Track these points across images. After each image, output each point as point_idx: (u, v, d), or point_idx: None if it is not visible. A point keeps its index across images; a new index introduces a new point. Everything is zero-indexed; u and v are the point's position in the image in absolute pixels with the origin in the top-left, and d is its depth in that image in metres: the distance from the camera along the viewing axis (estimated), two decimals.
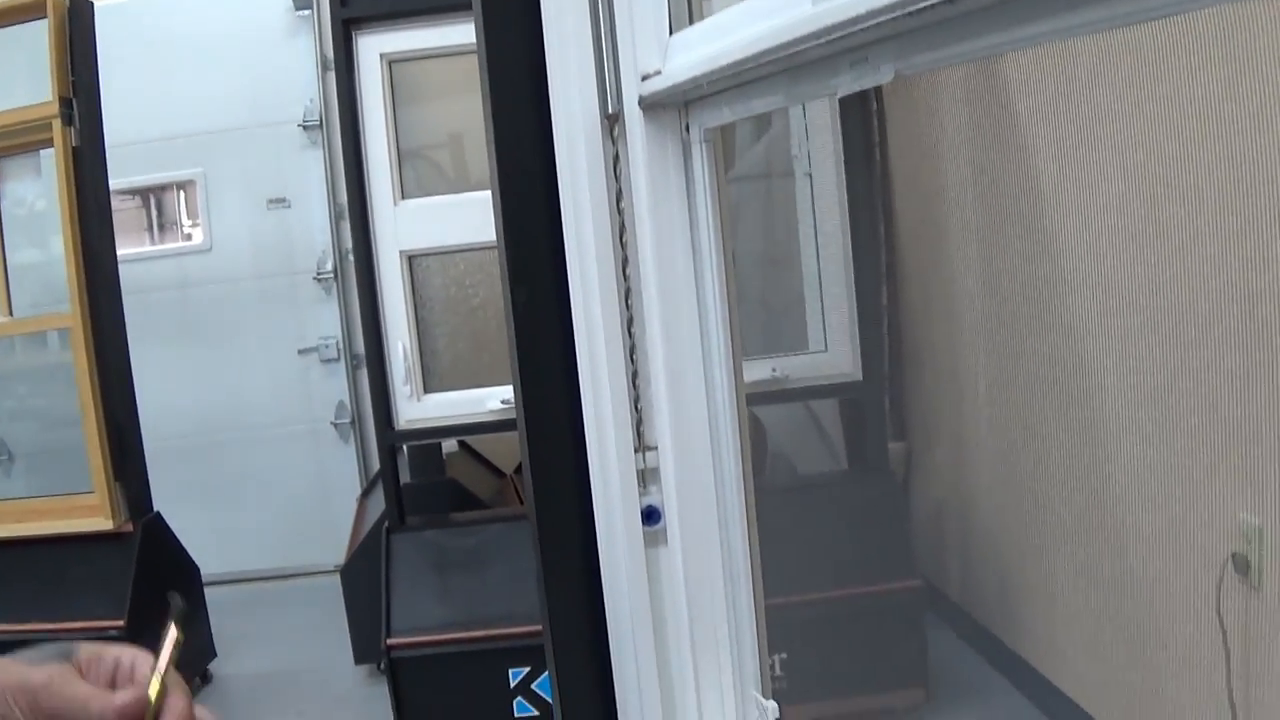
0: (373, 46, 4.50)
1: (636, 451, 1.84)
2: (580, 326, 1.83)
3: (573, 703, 1.98)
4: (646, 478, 1.86)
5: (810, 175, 4.56)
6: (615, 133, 1.82)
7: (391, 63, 4.53)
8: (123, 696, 0.96)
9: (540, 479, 1.91)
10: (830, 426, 5.16)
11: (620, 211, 1.81)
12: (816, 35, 1.25)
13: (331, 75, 6.45)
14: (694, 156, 1.79)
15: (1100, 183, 3.51)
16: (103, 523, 4.96)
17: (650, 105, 1.78)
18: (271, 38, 6.73)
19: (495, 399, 4.50)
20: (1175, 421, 3.26)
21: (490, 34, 1.86)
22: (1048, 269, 3.92)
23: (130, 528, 4.98)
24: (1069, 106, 3.67)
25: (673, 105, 1.78)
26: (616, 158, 1.82)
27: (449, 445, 5.67)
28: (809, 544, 4.41)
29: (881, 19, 1.11)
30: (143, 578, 4.89)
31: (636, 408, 1.84)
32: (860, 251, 4.49)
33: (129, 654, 1.03)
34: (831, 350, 4.54)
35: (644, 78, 1.77)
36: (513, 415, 4.49)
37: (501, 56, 1.86)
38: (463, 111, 4.81)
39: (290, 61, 6.72)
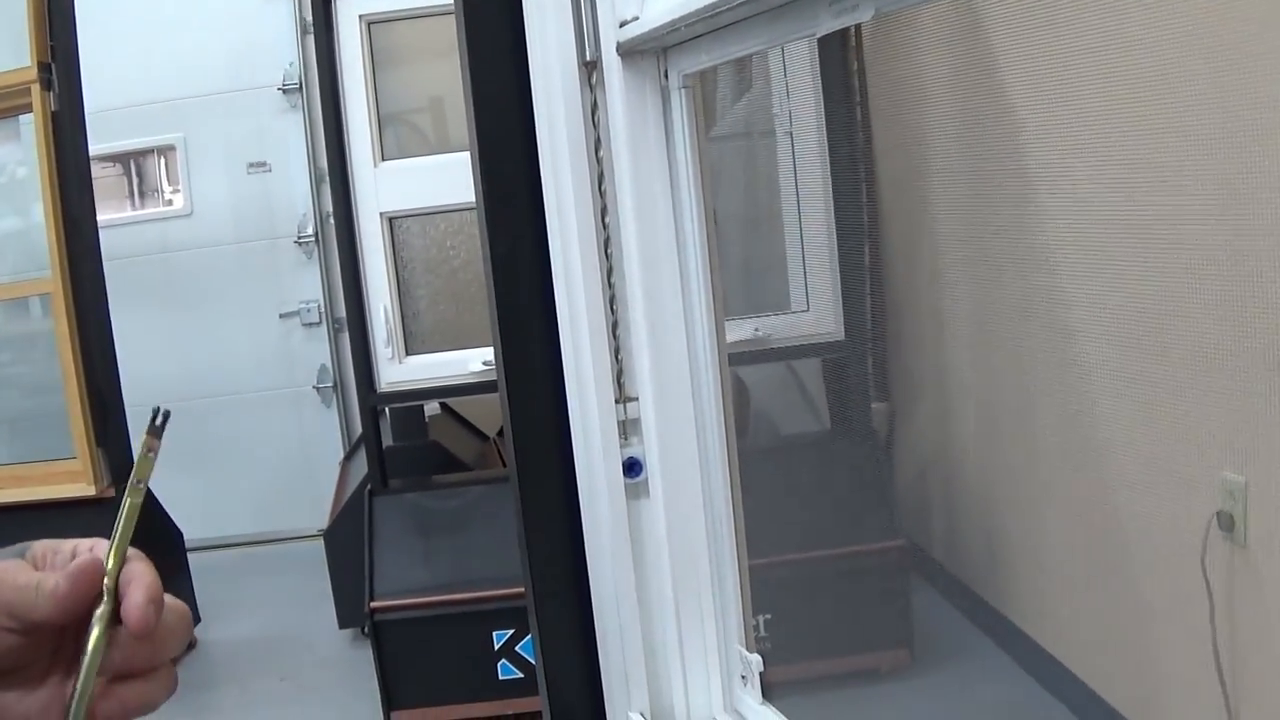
0: (351, 8, 4.48)
1: (617, 402, 1.82)
2: (560, 277, 1.81)
3: (555, 659, 1.96)
4: (628, 429, 1.84)
5: (791, 134, 4.53)
6: (593, 80, 1.79)
7: (370, 24, 4.51)
8: (74, 564, 0.89)
9: (521, 432, 1.89)
10: (813, 386, 5.14)
11: (599, 160, 1.79)
12: None
13: (310, 38, 6.42)
14: (673, 103, 1.77)
15: (1083, 119, 3.48)
16: (85, 488, 4.95)
17: (628, 51, 1.75)
18: (251, 1, 6.67)
19: (477, 360, 4.49)
20: (1163, 375, 3.24)
21: None
22: (1032, 223, 3.89)
23: (112, 493, 4.96)
24: (1049, 41, 3.63)
25: (651, 51, 1.76)
26: (595, 105, 1.79)
27: (431, 408, 5.65)
28: (792, 504, 4.34)
29: None
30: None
31: (617, 358, 1.82)
32: (842, 210, 4.45)
33: (87, 542, 0.97)
34: (814, 310, 4.51)
35: (622, 24, 1.75)
36: (495, 377, 4.50)
37: (478, 4, 1.83)
38: (443, 74, 4.78)
39: (269, 25, 6.68)
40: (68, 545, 0.96)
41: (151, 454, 0.93)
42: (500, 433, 6.12)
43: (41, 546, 0.95)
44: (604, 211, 1.80)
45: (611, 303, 1.81)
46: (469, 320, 4.56)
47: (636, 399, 1.84)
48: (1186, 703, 3.28)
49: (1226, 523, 2.98)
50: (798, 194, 4.52)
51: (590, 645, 1.93)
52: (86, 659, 0.85)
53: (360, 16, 4.47)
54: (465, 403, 5.97)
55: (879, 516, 4.54)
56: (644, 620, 1.88)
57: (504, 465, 5.61)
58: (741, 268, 4.82)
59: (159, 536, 5.25)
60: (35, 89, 4.75)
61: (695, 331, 1.80)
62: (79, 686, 0.84)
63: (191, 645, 5.47)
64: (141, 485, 0.94)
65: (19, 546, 0.95)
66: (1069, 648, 4.07)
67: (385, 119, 4.54)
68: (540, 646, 1.98)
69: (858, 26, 1.48)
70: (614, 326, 1.81)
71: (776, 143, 4.57)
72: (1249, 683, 2.97)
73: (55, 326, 4.90)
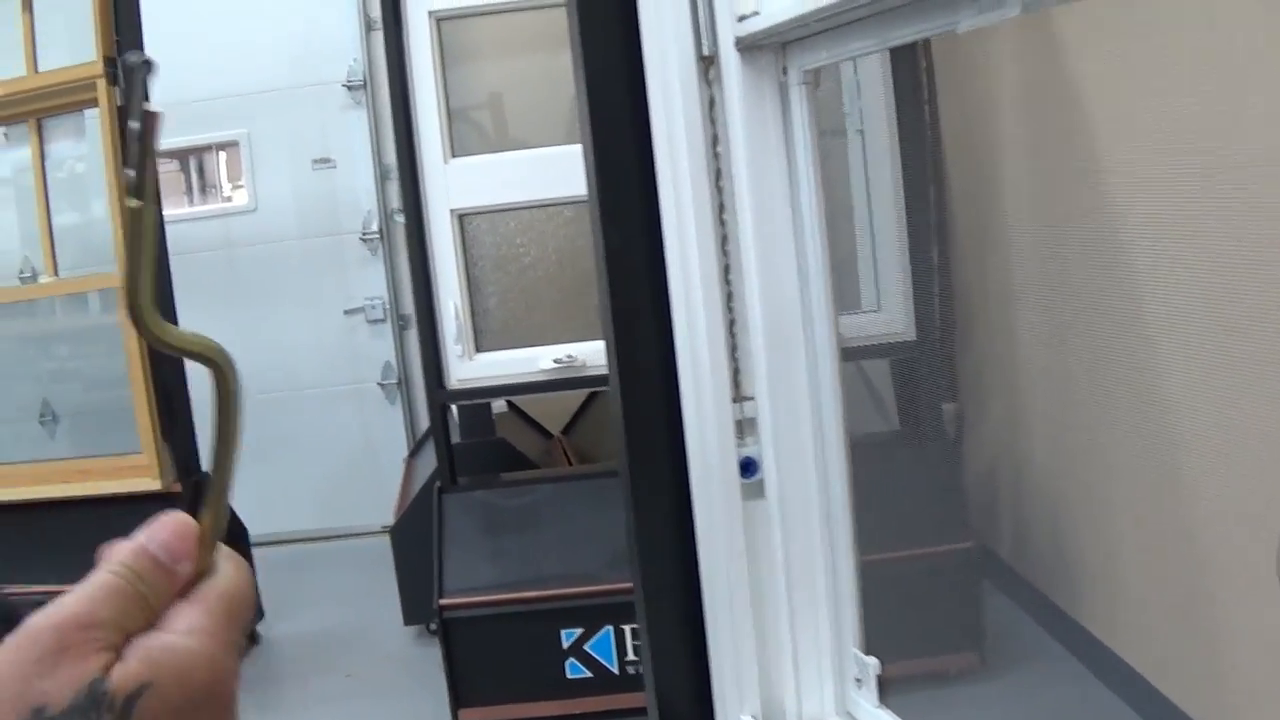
0: (421, 4, 4.46)
1: (734, 402, 1.81)
2: (675, 273, 1.79)
3: (664, 658, 1.95)
4: (744, 428, 1.82)
5: (862, 132, 4.50)
6: (710, 75, 1.78)
7: (440, 20, 4.49)
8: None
9: (633, 429, 1.87)
10: (882, 386, 5.11)
11: (716, 156, 1.77)
12: None
13: (375, 35, 6.43)
14: (792, 98, 1.75)
15: (1162, 135, 3.45)
16: (151, 483, 4.95)
17: (747, 46, 1.74)
18: None
19: (547, 358, 4.47)
20: (1241, 383, 3.20)
21: None
22: (1105, 226, 3.85)
23: (178, 488, 4.97)
24: (1124, 59, 3.61)
25: (770, 46, 1.74)
26: (712, 101, 1.78)
27: (498, 405, 5.64)
28: (861, 506, 4.32)
29: None
30: None
31: (734, 356, 1.80)
32: (913, 210, 4.44)
33: None
34: (885, 310, 4.49)
35: (740, 18, 1.73)
36: (564, 375, 4.49)
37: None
38: (511, 69, 4.78)
39: (333, 21, 6.67)
40: None
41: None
42: (565, 429, 6.12)
43: None
44: (721, 208, 1.78)
45: (729, 300, 1.79)
46: (539, 318, 4.54)
47: (753, 398, 1.82)
48: (1267, 716, 3.25)
49: None
50: (868, 193, 4.49)
51: (700, 645, 1.92)
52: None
53: (430, 13, 4.46)
54: (531, 400, 5.94)
55: (948, 518, 4.49)
56: (756, 621, 1.86)
57: (569, 463, 5.62)
58: None
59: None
60: (101, 84, 4.75)
61: (814, 328, 1.78)
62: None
63: (255, 640, 5.48)
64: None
65: None
66: (1142, 653, 4.04)
67: (453, 114, 4.52)
68: (649, 645, 1.96)
69: None
70: (731, 324, 1.80)
71: (847, 141, 4.54)
72: None
73: (121, 321, 4.90)
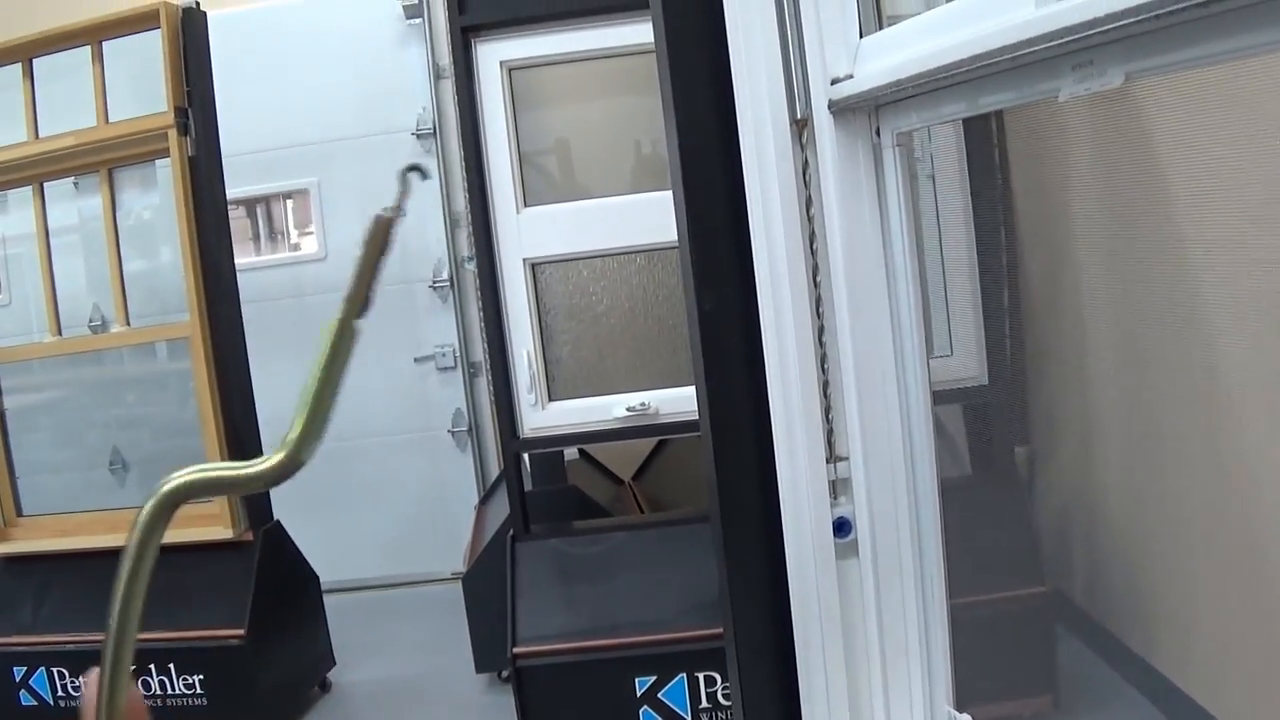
0: (492, 54, 4.49)
1: (828, 462, 1.82)
2: (769, 334, 1.81)
3: (756, 712, 1.96)
4: (837, 489, 1.83)
5: (933, 178, 4.50)
6: (804, 138, 1.80)
7: (511, 70, 4.52)
8: None
9: (726, 486, 1.89)
10: (954, 430, 5.10)
11: (810, 219, 1.79)
12: (1040, 39, 1.22)
13: (444, 83, 6.49)
14: (885, 161, 1.77)
15: (1238, 191, 3.44)
16: (223, 531, 4.98)
17: (840, 110, 1.76)
18: (383, 47, 6.76)
19: (620, 406, 4.49)
20: None
21: (672, 40, 1.85)
22: (1181, 272, 3.84)
23: (250, 536, 5.00)
24: (1206, 120, 3.60)
25: (863, 109, 1.76)
26: (805, 164, 1.80)
27: (569, 452, 5.66)
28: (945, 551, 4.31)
29: (1120, 23, 1.07)
30: (263, 586, 4.91)
31: (828, 418, 1.82)
32: (985, 254, 4.43)
33: None
34: (957, 354, 4.48)
35: (833, 81, 1.75)
36: (637, 422, 4.51)
37: (684, 62, 1.84)
38: (579, 116, 4.80)
39: (402, 70, 6.74)
40: None
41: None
42: (635, 476, 6.14)
43: None
44: (815, 270, 1.80)
45: (823, 362, 1.81)
46: (612, 366, 4.56)
47: (847, 458, 1.84)
48: None
49: None
50: (940, 238, 4.48)
51: (792, 701, 1.93)
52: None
53: (501, 63, 4.49)
54: (602, 447, 5.95)
55: (1022, 562, 4.46)
56: (850, 680, 1.88)
57: (640, 509, 5.63)
58: None
59: (295, 578, 5.29)
60: (172, 134, 4.80)
61: (908, 390, 1.80)
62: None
63: (326, 688, 5.51)
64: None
65: None
66: (1216, 697, 4.02)
67: (525, 163, 4.55)
68: (741, 699, 1.98)
69: None
70: (825, 386, 1.81)
71: (919, 185, 4.54)
72: None
73: (194, 370, 4.94)
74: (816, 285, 1.80)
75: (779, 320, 1.80)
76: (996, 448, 4.60)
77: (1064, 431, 5.20)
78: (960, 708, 1.88)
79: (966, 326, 4.48)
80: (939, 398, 4.57)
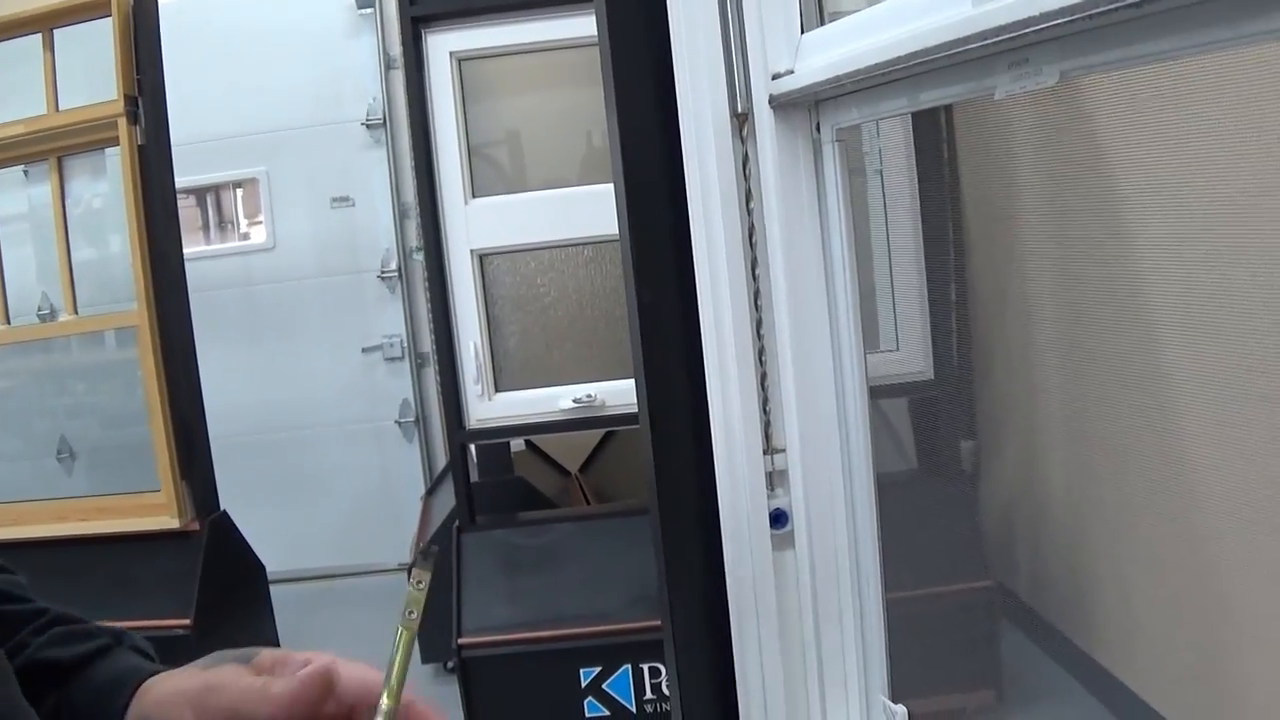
0: (442, 45, 4.49)
1: (765, 454, 1.83)
2: (708, 328, 1.82)
3: (693, 703, 1.97)
4: (775, 480, 1.85)
5: (881, 173, 4.51)
6: (744, 132, 1.81)
7: (461, 61, 4.52)
8: (305, 672, 0.94)
9: (664, 478, 1.90)
10: (899, 425, 5.12)
11: (750, 212, 1.80)
12: (977, 36, 1.24)
13: (394, 73, 6.49)
14: (825, 156, 1.79)
15: (1184, 189, 3.46)
16: (169, 521, 4.95)
17: (781, 104, 1.77)
18: (334, 37, 6.76)
19: (567, 398, 4.49)
20: (1265, 418, 3.21)
21: (614, 33, 1.85)
22: (1125, 269, 3.86)
23: (197, 526, 4.97)
24: (1150, 120, 3.61)
25: (804, 104, 1.78)
26: (746, 158, 1.81)
27: (516, 444, 5.66)
28: (881, 544, 4.32)
29: (1054, 22, 1.09)
30: (209, 576, 4.89)
31: (765, 410, 1.83)
32: (932, 249, 4.43)
33: (317, 655, 1.00)
34: (903, 349, 4.46)
35: (774, 76, 1.76)
36: (584, 414, 4.51)
37: (626, 55, 1.85)
38: (528, 107, 4.80)
39: (353, 60, 6.73)
40: (298, 656, 0.99)
41: (421, 585, 0.96)
42: (582, 468, 6.14)
43: (269, 654, 0.99)
44: (754, 263, 1.81)
45: (761, 355, 1.82)
46: (559, 358, 4.56)
47: (784, 450, 1.85)
48: None
49: None
50: (888, 233, 4.49)
51: (728, 692, 1.94)
52: None
53: (451, 53, 4.48)
54: (549, 438, 5.97)
55: (966, 556, 4.47)
56: (786, 671, 1.89)
57: (587, 501, 5.64)
58: None
59: (241, 568, 5.27)
60: (122, 122, 4.77)
61: (844, 383, 1.82)
62: None
63: None
64: (415, 617, 0.97)
65: (245, 651, 1.01)
66: (1162, 693, 4.03)
67: (474, 154, 4.55)
68: (678, 690, 1.99)
69: None
70: (763, 378, 1.82)
71: (866, 180, 4.56)
72: None
73: (140, 359, 4.91)
74: (755, 279, 1.81)
75: (717, 313, 1.81)
76: (942, 442, 4.60)
77: (1009, 426, 5.22)
78: (897, 699, 1.90)
79: (913, 322, 4.48)
80: (884, 391, 4.62)
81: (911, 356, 4.46)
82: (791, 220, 1.76)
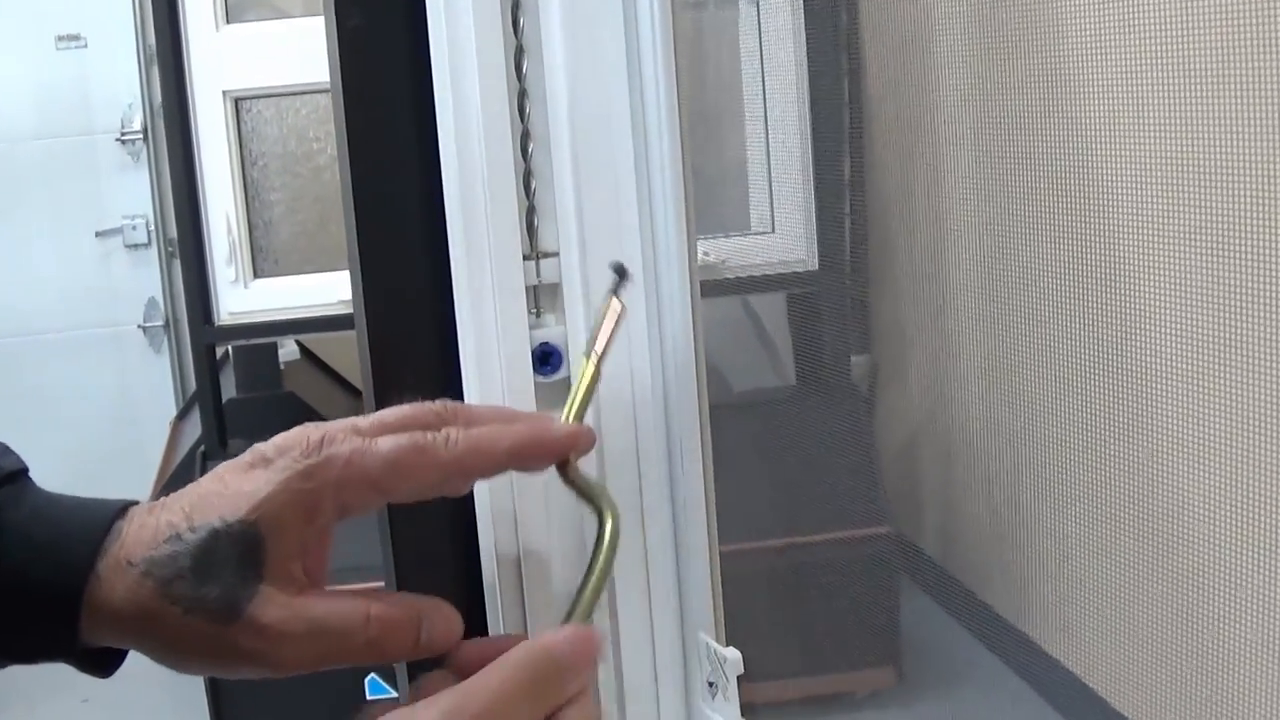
0: None
1: (526, 259, 1.44)
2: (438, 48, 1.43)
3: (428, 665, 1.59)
4: (540, 297, 1.46)
5: (757, 4, 4.35)
6: None
7: None
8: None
9: (373, 303, 1.51)
10: (775, 330, 4.96)
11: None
12: None
13: None
14: None
15: (1132, 56, 3.32)
16: None
17: None
18: None
19: (347, 287, 4.14)
20: (1221, 339, 3.04)
21: None
22: (1061, 151, 3.73)
23: None
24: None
25: None
26: None
27: (288, 352, 5.49)
28: (748, 480, 4.28)
29: None
30: None
31: (528, 191, 1.44)
32: (820, 108, 4.36)
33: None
34: (780, 232, 4.42)
35: None
36: None
37: None
38: None
39: None
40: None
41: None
42: None
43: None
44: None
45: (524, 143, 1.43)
46: (337, 235, 4.30)
47: (556, 253, 1.45)
48: None
49: None
50: (763, 84, 4.42)
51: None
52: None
53: None
54: (330, 347, 5.80)
55: (856, 497, 4.47)
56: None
57: None
58: (689, 175, 4.59)
59: None
60: None
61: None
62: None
63: None
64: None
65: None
66: (1100, 668, 3.99)
67: None
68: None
69: None
70: (528, 176, 1.43)
71: (739, 15, 4.39)
72: None
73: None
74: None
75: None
76: (828, 354, 4.63)
77: (915, 340, 5.15)
78: (766, 674, 1.55)
79: (794, 199, 4.43)
80: (753, 284, 4.49)
81: (790, 242, 4.43)
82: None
